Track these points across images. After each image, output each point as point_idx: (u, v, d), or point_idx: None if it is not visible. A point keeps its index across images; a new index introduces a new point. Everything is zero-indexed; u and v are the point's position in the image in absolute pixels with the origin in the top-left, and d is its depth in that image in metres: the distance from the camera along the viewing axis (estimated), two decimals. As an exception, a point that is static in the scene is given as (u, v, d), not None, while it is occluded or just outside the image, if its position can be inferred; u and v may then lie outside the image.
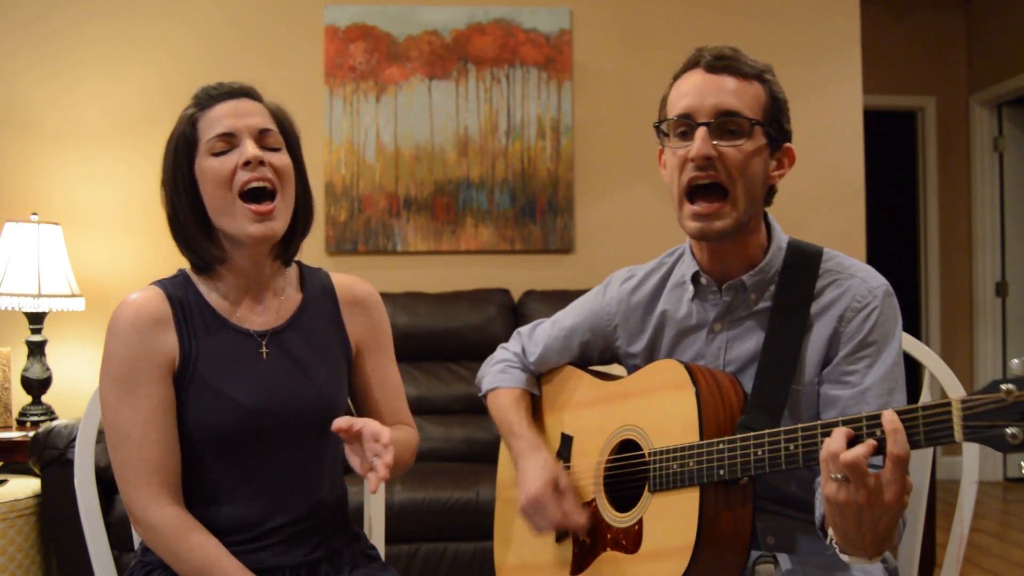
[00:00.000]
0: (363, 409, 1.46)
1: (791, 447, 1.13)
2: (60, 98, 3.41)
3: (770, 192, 1.35)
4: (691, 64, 1.31)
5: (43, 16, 3.42)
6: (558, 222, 3.58)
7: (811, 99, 3.63)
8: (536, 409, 1.59)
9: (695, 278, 1.37)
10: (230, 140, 1.25)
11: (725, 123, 1.26)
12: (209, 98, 1.28)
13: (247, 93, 1.31)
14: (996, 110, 5.02)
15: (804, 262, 1.33)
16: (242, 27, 3.52)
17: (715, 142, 1.25)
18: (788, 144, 1.33)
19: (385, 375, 1.45)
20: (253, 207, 1.24)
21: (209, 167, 1.25)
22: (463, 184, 3.56)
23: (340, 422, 1.19)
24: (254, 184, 1.24)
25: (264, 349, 1.31)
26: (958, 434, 0.97)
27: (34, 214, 3.10)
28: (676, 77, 1.33)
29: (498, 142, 3.58)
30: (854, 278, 1.30)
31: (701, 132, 1.25)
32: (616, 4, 3.65)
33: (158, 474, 1.23)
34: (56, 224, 3.13)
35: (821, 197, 3.59)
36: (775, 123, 1.29)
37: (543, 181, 3.58)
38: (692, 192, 1.28)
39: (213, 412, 1.26)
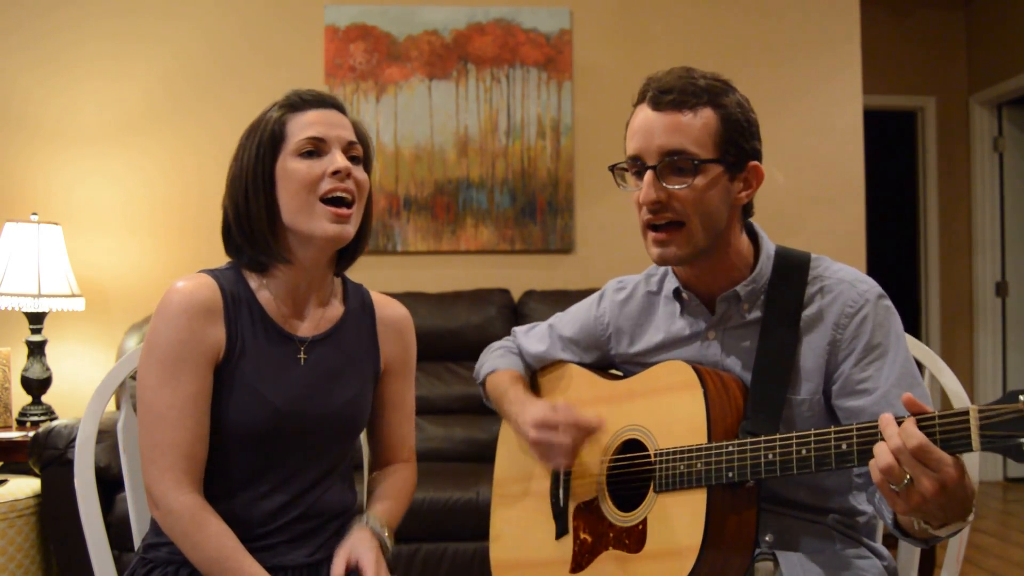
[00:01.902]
0: (373, 428, 1.47)
1: (803, 451, 1.13)
2: (60, 97, 3.41)
3: (745, 209, 1.36)
4: (641, 97, 1.32)
5: (42, 15, 3.42)
6: (558, 222, 3.58)
7: (811, 99, 3.63)
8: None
9: (677, 294, 1.40)
10: (319, 145, 1.29)
11: (673, 163, 1.26)
12: (302, 101, 1.31)
13: (337, 105, 1.34)
14: (996, 110, 5.02)
15: (792, 270, 1.33)
16: (242, 27, 3.51)
17: (665, 184, 1.26)
18: (754, 163, 1.31)
19: (403, 399, 1.47)
20: (333, 209, 1.28)
21: (295, 169, 1.27)
22: (463, 184, 3.56)
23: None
24: (338, 194, 1.28)
25: (302, 355, 1.33)
26: (975, 443, 0.98)
27: (34, 214, 3.09)
28: (634, 106, 1.34)
29: (498, 142, 3.57)
30: (843, 283, 1.31)
31: (648, 177, 1.27)
32: (616, 4, 3.65)
33: (186, 460, 1.23)
34: (56, 224, 3.12)
35: (821, 197, 3.58)
36: (732, 148, 1.28)
37: (543, 181, 3.58)
38: (651, 227, 1.30)
39: (246, 408, 1.27)
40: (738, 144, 1.28)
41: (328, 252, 1.33)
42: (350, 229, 1.30)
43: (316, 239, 1.29)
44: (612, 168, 1.35)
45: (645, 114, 1.29)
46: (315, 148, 1.29)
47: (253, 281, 1.34)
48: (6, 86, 3.40)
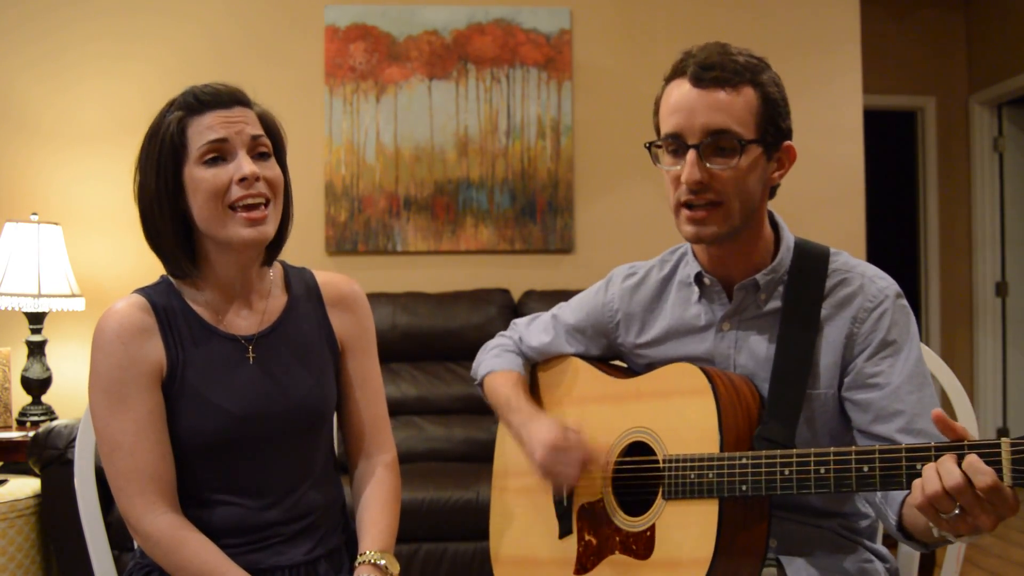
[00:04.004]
0: (343, 411, 1.43)
1: (822, 471, 1.11)
2: (60, 97, 3.41)
3: (772, 191, 1.33)
4: (679, 71, 1.26)
5: (42, 14, 3.42)
6: (558, 222, 3.58)
7: (811, 99, 3.63)
8: (533, 397, 1.56)
9: (699, 279, 1.36)
10: (221, 147, 1.23)
11: (716, 141, 1.22)
12: (199, 103, 1.24)
13: (238, 100, 1.27)
14: (996, 110, 5.02)
15: (812, 262, 1.31)
16: (242, 27, 3.52)
17: (707, 163, 1.23)
18: (788, 142, 1.29)
19: (367, 376, 1.42)
20: (245, 214, 1.23)
21: (202, 178, 1.23)
22: (463, 184, 3.56)
23: None
24: (248, 201, 1.23)
25: (251, 354, 1.30)
26: (1007, 476, 0.95)
27: (34, 214, 3.09)
28: (667, 80, 1.29)
29: (498, 142, 3.57)
30: (863, 278, 1.29)
31: (691, 157, 1.23)
32: (616, 4, 3.65)
33: (152, 482, 1.22)
34: (56, 224, 3.12)
35: (821, 197, 3.58)
36: (771, 127, 1.25)
37: (543, 181, 3.58)
38: (688, 205, 1.27)
39: (202, 419, 1.25)
40: (776, 123, 1.26)
41: (250, 254, 1.30)
42: (268, 230, 1.25)
43: (234, 245, 1.25)
44: (648, 146, 1.30)
45: (684, 90, 1.23)
46: (218, 152, 1.23)
47: (186, 291, 1.31)
48: (6, 85, 3.40)
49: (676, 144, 1.26)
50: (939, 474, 0.98)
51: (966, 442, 0.99)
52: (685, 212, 1.26)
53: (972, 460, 0.96)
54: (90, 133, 3.41)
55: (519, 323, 1.63)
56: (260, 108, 1.31)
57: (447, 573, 2.61)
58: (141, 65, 3.45)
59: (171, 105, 1.26)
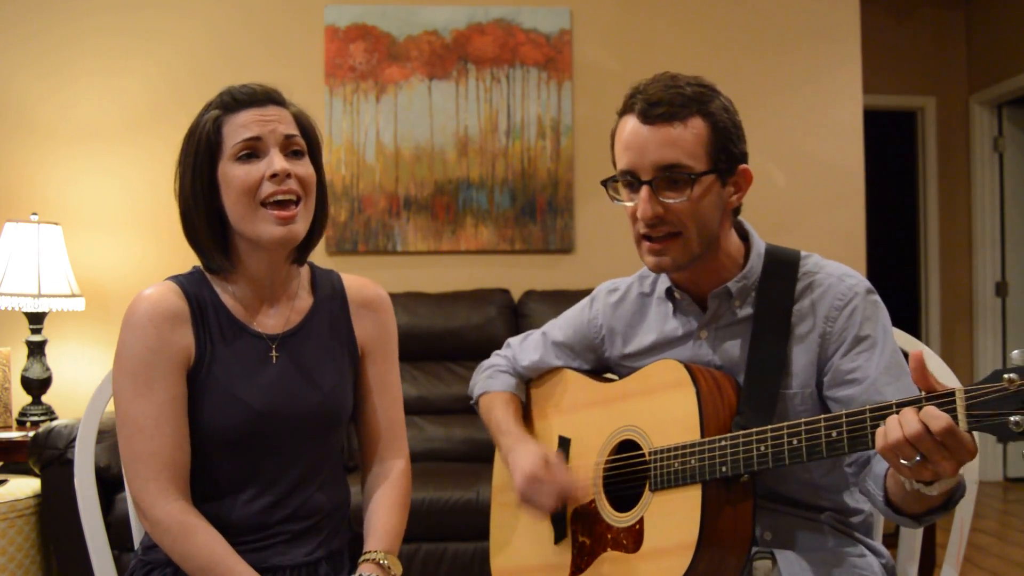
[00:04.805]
0: (359, 415, 1.43)
1: (794, 442, 1.14)
2: (59, 95, 3.41)
3: (735, 210, 1.36)
4: (628, 108, 1.31)
5: (41, 11, 3.42)
6: (558, 222, 3.58)
7: (811, 99, 3.63)
8: (527, 413, 1.60)
9: (669, 294, 1.40)
10: (255, 145, 1.25)
11: (669, 176, 1.26)
12: (235, 102, 1.27)
13: (273, 99, 1.30)
14: (996, 110, 5.02)
15: (782, 267, 1.35)
16: (242, 26, 3.52)
17: (661, 198, 1.26)
18: (743, 166, 1.32)
19: (386, 381, 1.44)
20: (276, 212, 1.25)
21: (235, 175, 1.25)
22: (463, 184, 3.56)
23: None
24: (279, 197, 1.25)
25: (274, 353, 1.32)
26: (962, 423, 0.99)
27: (34, 214, 3.09)
28: (619, 115, 1.33)
29: (498, 142, 3.58)
30: (832, 277, 1.33)
31: (644, 193, 1.27)
32: (616, 4, 3.65)
33: (168, 469, 1.23)
34: (56, 224, 3.13)
35: (821, 197, 3.58)
36: (723, 154, 1.28)
37: (543, 181, 3.58)
38: (647, 237, 1.31)
39: (222, 413, 1.26)
40: (728, 150, 1.29)
41: (280, 253, 1.31)
42: (297, 228, 1.27)
43: (263, 243, 1.26)
44: (604, 183, 1.35)
45: (635, 127, 1.28)
46: (252, 150, 1.25)
47: (217, 284, 1.33)
48: (5, 83, 3.40)
49: (631, 180, 1.30)
50: (900, 423, 1.02)
51: (923, 395, 1.03)
52: (645, 244, 1.31)
53: (928, 408, 1.01)
54: (90, 131, 3.41)
55: (513, 342, 1.67)
56: (296, 108, 1.33)
57: (447, 573, 2.62)
58: (141, 63, 3.45)
59: (209, 105, 1.29)
